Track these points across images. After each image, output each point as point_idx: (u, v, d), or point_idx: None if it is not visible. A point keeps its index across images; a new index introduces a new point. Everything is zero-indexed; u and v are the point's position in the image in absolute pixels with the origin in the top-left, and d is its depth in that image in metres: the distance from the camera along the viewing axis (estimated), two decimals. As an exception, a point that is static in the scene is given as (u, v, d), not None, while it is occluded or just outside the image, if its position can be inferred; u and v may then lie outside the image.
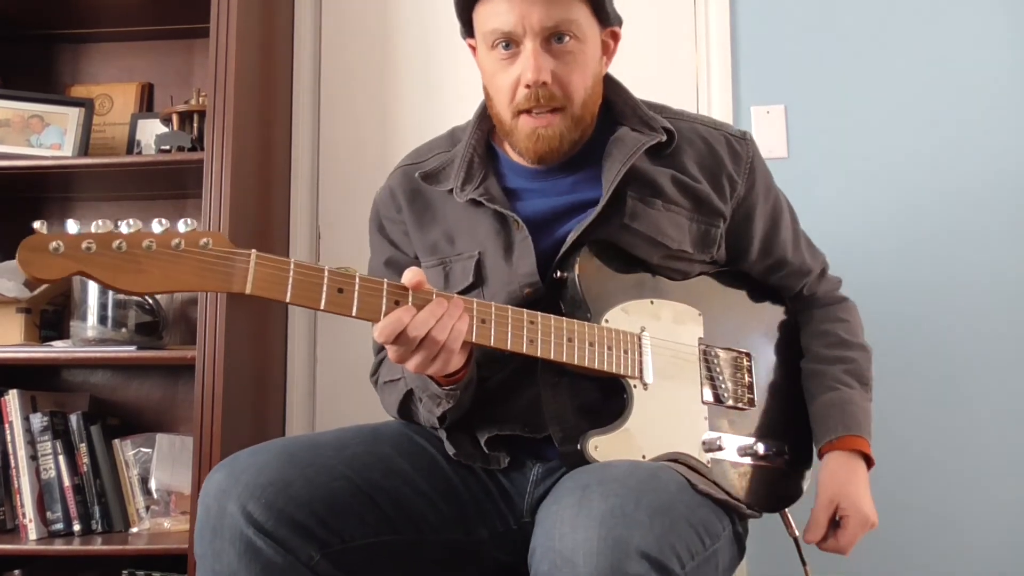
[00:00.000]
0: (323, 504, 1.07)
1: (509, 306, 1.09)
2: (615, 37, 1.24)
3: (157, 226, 0.89)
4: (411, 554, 1.16)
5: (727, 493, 1.15)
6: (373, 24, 2.23)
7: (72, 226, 0.86)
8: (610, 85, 1.27)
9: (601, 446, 1.10)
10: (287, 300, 0.94)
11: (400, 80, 2.21)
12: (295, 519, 1.04)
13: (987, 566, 1.90)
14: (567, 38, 1.13)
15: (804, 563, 1.28)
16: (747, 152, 1.27)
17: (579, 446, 1.09)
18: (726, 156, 1.25)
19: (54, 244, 0.84)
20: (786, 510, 1.28)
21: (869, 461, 1.25)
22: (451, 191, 1.24)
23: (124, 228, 0.87)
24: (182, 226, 0.90)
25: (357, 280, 0.99)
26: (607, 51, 1.23)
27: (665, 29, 2.14)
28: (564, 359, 1.10)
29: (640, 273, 1.21)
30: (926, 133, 2.02)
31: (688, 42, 2.13)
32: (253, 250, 0.93)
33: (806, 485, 1.29)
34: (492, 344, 1.06)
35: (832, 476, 1.23)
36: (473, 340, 1.05)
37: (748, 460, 1.22)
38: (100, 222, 0.86)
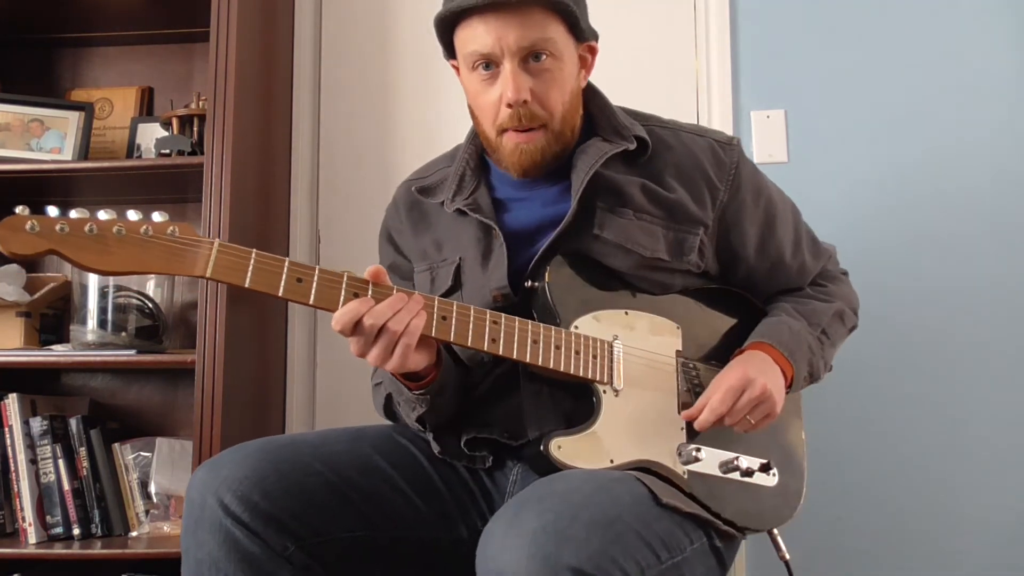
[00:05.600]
0: (296, 498, 1.10)
1: (472, 306, 1.10)
2: (592, 51, 1.26)
3: (133, 215, 0.97)
4: (390, 551, 1.18)
5: (704, 507, 1.13)
6: (373, 28, 2.24)
7: (52, 211, 0.94)
8: (591, 96, 1.28)
9: (564, 447, 1.10)
10: (246, 285, 0.99)
11: (400, 84, 2.20)
12: (268, 512, 1.07)
13: (986, 569, 1.89)
14: (544, 56, 1.16)
15: None
16: (731, 158, 1.27)
17: (542, 447, 1.09)
18: (708, 163, 1.26)
19: (30, 224, 0.92)
20: (775, 532, 1.25)
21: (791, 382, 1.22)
22: (443, 203, 1.28)
23: (101, 216, 0.95)
24: (157, 216, 0.98)
25: (316, 271, 1.02)
26: (585, 65, 1.25)
27: (665, 34, 2.14)
28: (528, 359, 1.11)
29: (616, 286, 1.22)
30: (927, 137, 2.02)
31: (688, 47, 2.13)
32: (216, 239, 0.99)
33: (797, 506, 1.26)
34: (452, 340, 1.08)
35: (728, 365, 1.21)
36: (433, 335, 1.07)
37: (733, 475, 1.19)
38: (76, 211, 0.94)
